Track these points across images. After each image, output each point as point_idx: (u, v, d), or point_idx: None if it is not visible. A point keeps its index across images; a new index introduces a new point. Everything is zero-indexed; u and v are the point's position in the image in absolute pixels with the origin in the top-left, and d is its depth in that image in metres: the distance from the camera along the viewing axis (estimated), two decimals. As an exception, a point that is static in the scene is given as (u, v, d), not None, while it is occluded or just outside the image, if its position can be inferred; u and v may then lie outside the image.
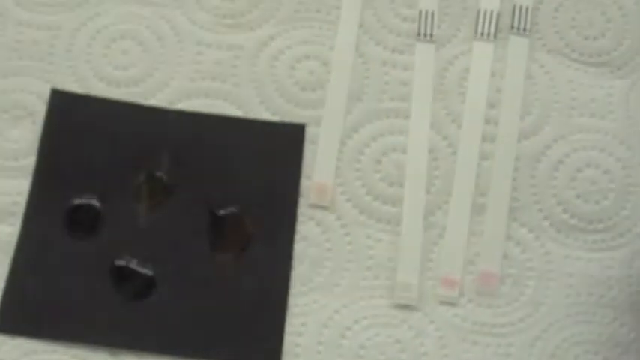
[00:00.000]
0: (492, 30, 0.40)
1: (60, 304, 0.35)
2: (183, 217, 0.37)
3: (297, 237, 0.37)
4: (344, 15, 0.39)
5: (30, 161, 0.37)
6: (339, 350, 0.36)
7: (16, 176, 0.37)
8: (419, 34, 0.40)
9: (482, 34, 0.40)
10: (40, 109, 0.38)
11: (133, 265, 0.36)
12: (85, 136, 0.37)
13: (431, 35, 0.40)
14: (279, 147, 0.38)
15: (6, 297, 0.35)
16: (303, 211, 0.37)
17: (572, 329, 0.36)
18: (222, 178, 0.37)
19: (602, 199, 0.38)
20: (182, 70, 0.39)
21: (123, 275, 0.36)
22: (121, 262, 0.36)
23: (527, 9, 0.40)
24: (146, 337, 0.35)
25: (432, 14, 0.40)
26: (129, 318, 0.35)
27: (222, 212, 0.37)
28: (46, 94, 0.38)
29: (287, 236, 0.37)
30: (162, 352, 0.35)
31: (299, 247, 0.37)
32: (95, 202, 0.36)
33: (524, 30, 0.40)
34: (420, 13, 0.40)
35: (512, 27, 0.40)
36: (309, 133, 0.38)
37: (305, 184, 0.38)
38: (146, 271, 0.36)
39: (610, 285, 0.37)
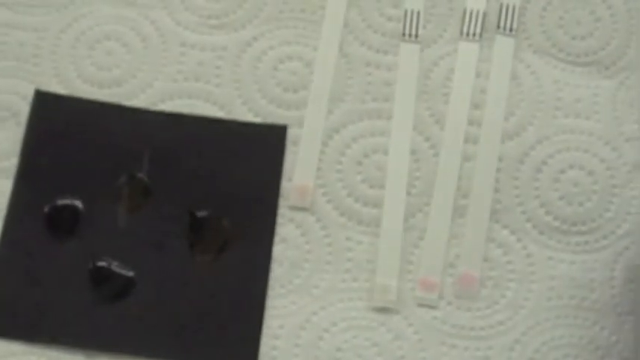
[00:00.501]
0: (478, 30, 0.40)
1: (39, 305, 0.35)
2: (163, 218, 0.37)
3: (277, 239, 0.37)
4: (328, 14, 0.39)
5: (13, 162, 0.37)
6: (316, 353, 0.35)
7: (-1, 177, 0.37)
8: (404, 34, 0.40)
9: (467, 34, 0.40)
10: (24, 110, 0.38)
11: (113, 266, 0.36)
12: (67, 137, 0.37)
13: (416, 35, 0.39)
14: (260, 148, 0.38)
15: (-15, 297, 0.35)
16: (283, 212, 0.37)
17: (553, 332, 0.36)
18: (203, 179, 0.37)
19: (585, 200, 0.38)
20: (165, 70, 0.39)
21: (102, 276, 0.36)
22: (100, 263, 0.36)
23: (514, 8, 0.40)
24: (124, 338, 0.35)
25: (418, 14, 0.40)
26: (108, 319, 0.35)
27: (201, 213, 0.37)
28: (31, 95, 0.38)
29: (266, 238, 0.37)
30: (140, 354, 0.35)
31: (278, 248, 0.37)
32: (76, 203, 0.36)
33: (511, 30, 0.40)
34: (406, 12, 0.40)
35: (499, 27, 0.40)
36: (291, 134, 0.38)
37: (286, 185, 0.37)
38: (125, 272, 0.36)
39: (592, 288, 0.36)
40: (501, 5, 0.40)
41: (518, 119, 0.38)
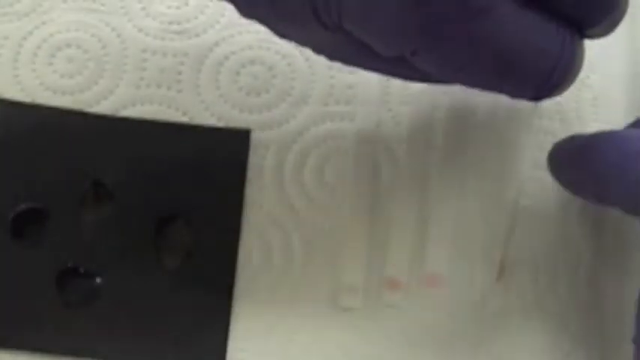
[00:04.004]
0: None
1: (4, 311, 0.35)
2: (128, 224, 0.37)
3: (242, 242, 0.37)
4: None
5: (-25, 171, 0.37)
6: (285, 355, 0.36)
7: (-39, 186, 0.37)
8: (365, 37, 0.40)
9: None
10: (-14, 119, 0.38)
11: (79, 271, 0.36)
12: (30, 145, 0.37)
13: (377, 38, 0.40)
14: (224, 152, 0.38)
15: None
16: (248, 216, 0.37)
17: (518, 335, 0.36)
18: (168, 184, 0.37)
19: None
20: (127, 77, 0.39)
21: (69, 282, 0.36)
22: (66, 269, 0.36)
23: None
24: (91, 343, 0.35)
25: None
26: (74, 325, 0.35)
27: (167, 219, 0.37)
28: (-8, 104, 0.38)
29: (231, 242, 0.37)
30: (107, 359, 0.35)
31: (243, 252, 0.37)
32: (41, 210, 0.36)
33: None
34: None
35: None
36: (254, 138, 0.38)
37: (250, 189, 0.37)
38: (92, 277, 0.36)
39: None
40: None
41: (481, 118, 0.38)
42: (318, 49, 0.32)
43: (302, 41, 0.32)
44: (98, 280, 0.36)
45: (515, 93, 0.30)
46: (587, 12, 0.29)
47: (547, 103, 0.37)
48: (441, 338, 0.36)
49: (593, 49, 0.36)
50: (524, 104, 0.36)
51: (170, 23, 0.40)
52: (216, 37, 0.40)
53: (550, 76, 0.29)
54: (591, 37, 0.30)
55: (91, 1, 0.40)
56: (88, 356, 0.35)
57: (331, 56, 0.33)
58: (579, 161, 0.32)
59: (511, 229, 0.37)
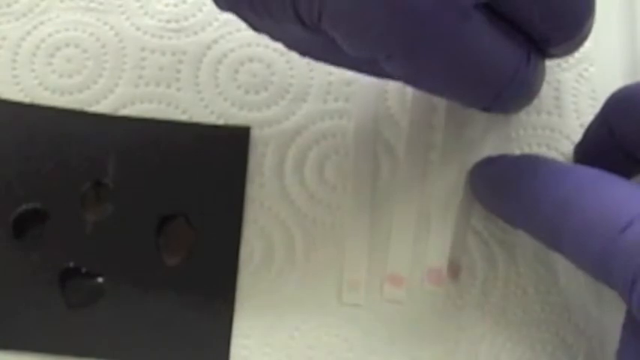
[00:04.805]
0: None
1: (5, 312, 0.35)
2: (130, 223, 0.37)
3: (244, 240, 0.37)
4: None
5: (-25, 172, 0.37)
6: (288, 351, 0.36)
7: (-39, 187, 0.37)
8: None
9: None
10: (-15, 120, 0.38)
11: (81, 271, 0.36)
12: (30, 145, 0.37)
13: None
14: (223, 150, 0.38)
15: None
16: (249, 213, 0.37)
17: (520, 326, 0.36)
18: (168, 182, 0.37)
19: None
20: (126, 76, 0.39)
21: (70, 282, 0.36)
22: (68, 269, 0.36)
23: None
24: (95, 343, 0.35)
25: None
26: (77, 325, 0.36)
27: (167, 218, 0.37)
28: (-9, 104, 0.38)
29: (233, 239, 0.37)
30: (111, 359, 0.35)
31: (245, 249, 0.37)
32: (42, 210, 0.36)
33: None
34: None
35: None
36: (254, 135, 0.38)
37: (250, 186, 0.37)
38: (93, 277, 0.36)
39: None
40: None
41: (479, 116, 0.39)
42: (291, 46, 0.33)
43: (275, 36, 0.32)
44: (100, 279, 0.36)
45: (468, 102, 0.31)
46: (551, 32, 0.30)
47: (546, 98, 0.38)
48: (443, 333, 0.36)
49: (591, 41, 0.36)
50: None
51: (168, 21, 0.40)
52: (215, 34, 0.40)
53: (506, 89, 0.30)
54: (552, 56, 0.31)
55: (89, 1, 0.40)
56: (90, 356, 0.35)
57: (303, 52, 0.33)
58: (511, 192, 0.33)
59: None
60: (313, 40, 0.31)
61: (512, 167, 0.33)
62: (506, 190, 0.33)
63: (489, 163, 0.35)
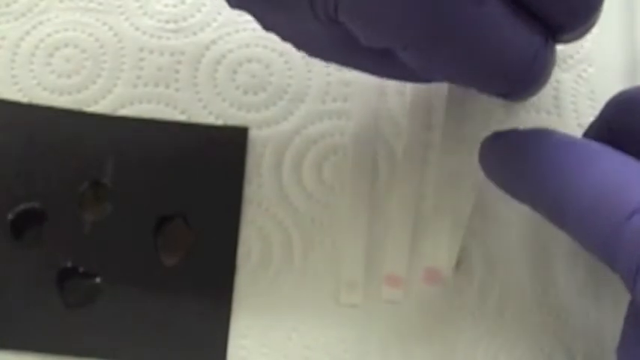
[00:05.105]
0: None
1: (3, 312, 0.35)
2: (128, 223, 0.37)
3: (241, 240, 0.37)
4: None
5: (-26, 172, 0.37)
6: (285, 351, 0.36)
7: (-40, 187, 0.37)
8: (362, 34, 0.40)
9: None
10: (-16, 120, 0.38)
11: (79, 271, 0.36)
12: (28, 145, 0.37)
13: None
14: (222, 150, 0.38)
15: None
16: (247, 213, 0.37)
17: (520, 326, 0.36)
18: (166, 183, 0.37)
19: None
20: (125, 76, 0.39)
21: (68, 282, 0.36)
22: (66, 269, 0.36)
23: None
24: (93, 343, 0.35)
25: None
26: (75, 325, 0.36)
27: (165, 218, 0.37)
28: (-10, 104, 0.38)
29: (230, 240, 0.37)
30: (108, 359, 0.35)
31: (243, 249, 0.37)
32: (40, 210, 0.36)
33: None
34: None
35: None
36: (252, 136, 0.38)
37: (248, 187, 0.37)
38: (91, 277, 0.36)
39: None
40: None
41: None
42: (300, 44, 0.32)
43: (287, 34, 0.32)
44: (98, 279, 0.36)
45: (486, 88, 0.30)
46: (565, 18, 0.29)
47: (545, 98, 0.38)
48: (441, 334, 0.36)
49: (590, 41, 0.36)
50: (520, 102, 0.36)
51: (167, 22, 0.40)
52: (213, 35, 0.40)
53: (524, 76, 0.29)
54: (563, 42, 0.31)
55: (88, 1, 0.40)
56: (88, 356, 0.35)
57: (312, 51, 0.33)
58: (518, 165, 0.32)
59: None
60: (325, 35, 0.30)
61: (520, 140, 0.33)
62: (513, 164, 0.32)
63: (499, 136, 0.34)
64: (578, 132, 0.38)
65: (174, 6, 0.40)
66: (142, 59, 0.39)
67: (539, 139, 0.32)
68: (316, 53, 0.33)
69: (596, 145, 0.31)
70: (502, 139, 0.33)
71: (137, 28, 0.40)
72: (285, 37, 0.33)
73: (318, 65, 0.39)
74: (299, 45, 0.33)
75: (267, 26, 0.32)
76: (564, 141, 0.31)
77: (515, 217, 0.37)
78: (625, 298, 0.31)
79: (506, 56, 0.29)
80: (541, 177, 0.31)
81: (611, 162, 0.30)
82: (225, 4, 0.37)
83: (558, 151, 0.31)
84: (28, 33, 0.40)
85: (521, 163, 0.31)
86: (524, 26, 0.29)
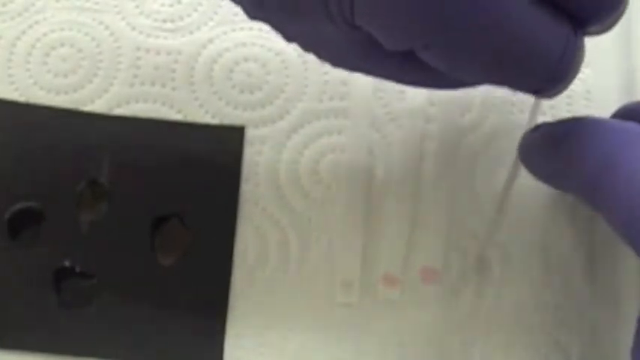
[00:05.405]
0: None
1: (1, 312, 0.35)
2: (124, 222, 0.37)
3: (238, 240, 0.37)
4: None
5: (-30, 172, 0.37)
6: (282, 351, 0.36)
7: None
8: (359, 33, 0.40)
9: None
10: (-19, 120, 0.38)
11: (75, 271, 0.36)
12: (24, 144, 0.37)
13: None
14: (219, 150, 0.38)
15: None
16: (244, 212, 0.37)
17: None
18: (163, 182, 0.37)
19: None
20: (121, 75, 0.39)
21: (65, 282, 0.36)
22: (63, 269, 0.36)
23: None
24: (89, 343, 0.35)
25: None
26: (71, 324, 0.36)
27: (162, 218, 0.37)
28: (-14, 104, 0.38)
29: (227, 239, 0.37)
30: (105, 358, 0.35)
31: (239, 249, 0.37)
32: (37, 210, 0.36)
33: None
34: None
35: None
36: (249, 135, 0.38)
37: (245, 186, 0.37)
38: (88, 277, 0.36)
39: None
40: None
41: (474, 115, 0.39)
42: (322, 53, 0.32)
43: (308, 43, 0.32)
44: (94, 279, 0.36)
45: (518, 86, 0.30)
46: (593, 9, 0.29)
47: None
48: (436, 334, 0.36)
49: (585, 43, 0.36)
50: (517, 101, 0.36)
51: (163, 21, 0.40)
52: (210, 34, 0.40)
53: (555, 70, 0.29)
54: (591, 34, 0.30)
55: (84, 0, 0.40)
56: (85, 355, 0.35)
57: (335, 60, 0.32)
58: (559, 152, 0.32)
59: (496, 223, 0.37)
60: (346, 42, 0.30)
61: (559, 127, 0.32)
62: (553, 150, 0.32)
63: (538, 128, 0.34)
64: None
65: (171, 5, 0.40)
66: (138, 58, 0.39)
67: (578, 124, 0.31)
68: (339, 62, 0.32)
69: (636, 127, 0.31)
70: (541, 129, 0.33)
71: (133, 28, 0.40)
72: (306, 47, 0.32)
73: (314, 64, 0.39)
74: (320, 55, 0.32)
75: (288, 37, 0.32)
76: (604, 123, 0.31)
77: (509, 217, 0.37)
78: (622, 298, 0.31)
79: (534, 50, 0.28)
80: (580, 159, 0.30)
81: None
82: (221, 3, 0.37)
83: (598, 133, 0.30)
84: (24, 32, 0.40)
85: (561, 147, 0.31)
86: (551, 20, 0.28)
